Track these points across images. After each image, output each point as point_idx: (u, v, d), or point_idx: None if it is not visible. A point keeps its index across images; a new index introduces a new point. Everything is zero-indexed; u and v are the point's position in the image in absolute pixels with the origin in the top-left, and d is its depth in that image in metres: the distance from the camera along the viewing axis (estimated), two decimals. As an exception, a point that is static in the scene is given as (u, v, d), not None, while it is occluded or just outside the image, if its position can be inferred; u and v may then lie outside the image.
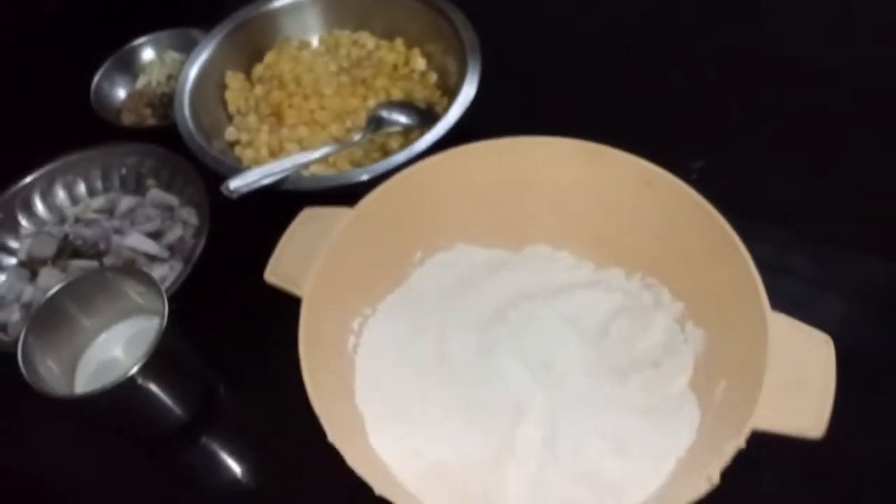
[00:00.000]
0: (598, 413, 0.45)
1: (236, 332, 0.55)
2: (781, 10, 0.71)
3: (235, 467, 0.51)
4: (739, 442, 0.35)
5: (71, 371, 0.47)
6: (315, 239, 0.46)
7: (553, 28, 0.72)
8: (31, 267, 0.59)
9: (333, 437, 0.38)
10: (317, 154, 0.58)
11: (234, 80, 0.66)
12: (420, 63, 0.66)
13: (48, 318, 0.45)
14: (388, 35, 0.68)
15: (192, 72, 0.63)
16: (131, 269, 0.48)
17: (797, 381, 0.37)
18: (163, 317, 0.45)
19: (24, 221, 0.62)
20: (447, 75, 0.64)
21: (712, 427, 0.42)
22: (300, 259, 0.45)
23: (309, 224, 0.47)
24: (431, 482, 0.43)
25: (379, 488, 0.36)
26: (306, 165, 0.58)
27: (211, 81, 0.65)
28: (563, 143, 0.48)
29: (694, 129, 0.62)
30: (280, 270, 0.45)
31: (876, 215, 0.55)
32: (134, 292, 0.47)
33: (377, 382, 0.47)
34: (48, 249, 0.59)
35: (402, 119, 0.61)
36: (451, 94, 0.59)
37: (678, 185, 0.45)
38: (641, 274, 0.50)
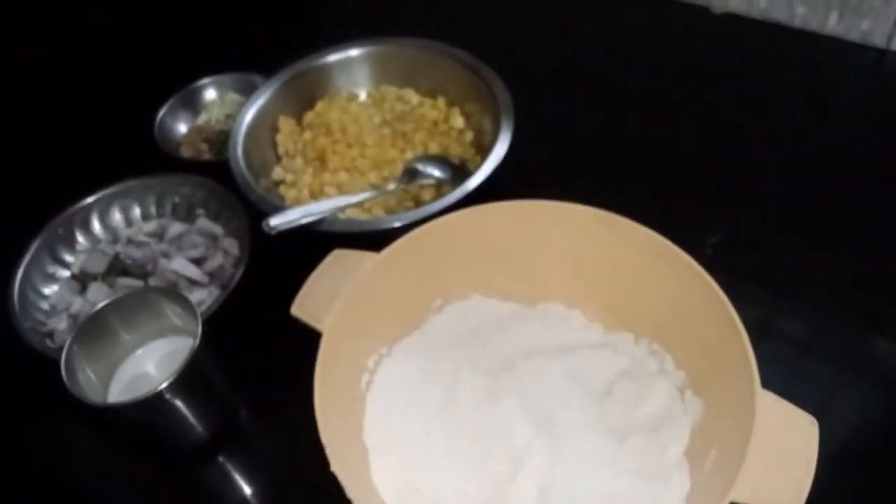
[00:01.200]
0: (594, 470, 0.46)
1: (262, 360, 0.58)
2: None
3: (247, 487, 0.53)
4: (717, 512, 0.37)
5: (107, 381, 0.51)
6: (341, 279, 0.49)
7: (584, 96, 0.76)
8: (81, 280, 0.64)
9: (336, 466, 0.40)
10: (354, 199, 0.62)
11: (285, 124, 0.71)
12: (459, 121, 0.70)
13: (92, 330, 0.49)
14: (432, 93, 0.72)
15: (249, 114, 0.68)
16: (171, 291, 0.52)
17: (780, 459, 0.39)
18: (196, 337, 0.48)
19: (80, 238, 0.67)
20: (483, 135, 0.68)
21: (701, 495, 0.43)
22: (325, 297, 0.48)
23: (337, 264, 0.51)
24: (427, 520, 0.45)
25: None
26: (343, 209, 0.62)
27: (265, 124, 0.70)
28: (581, 210, 0.51)
29: (714, 205, 0.65)
30: (306, 306, 0.49)
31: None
32: (172, 313, 0.51)
33: (385, 419, 0.49)
34: (100, 266, 0.64)
35: (436, 173, 0.64)
36: (484, 153, 0.63)
37: (684, 259, 0.47)
38: (648, 340, 0.52)
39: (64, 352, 0.47)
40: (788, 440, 0.40)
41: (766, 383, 0.41)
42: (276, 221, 0.56)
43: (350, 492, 0.39)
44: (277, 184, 0.68)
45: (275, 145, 0.70)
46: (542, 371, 0.51)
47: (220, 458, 0.55)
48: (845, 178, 0.65)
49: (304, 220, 0.57)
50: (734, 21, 0.81)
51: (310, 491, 0.49)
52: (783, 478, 0.38)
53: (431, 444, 0.48)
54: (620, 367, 0.51)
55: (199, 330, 0.48)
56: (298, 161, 0.68)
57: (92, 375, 0.49)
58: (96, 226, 0.68)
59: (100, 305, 0.50)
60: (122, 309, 0.51)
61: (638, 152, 0.69)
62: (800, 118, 0.71)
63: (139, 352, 0.52)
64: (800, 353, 0.55)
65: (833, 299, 0.57)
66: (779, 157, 0.68)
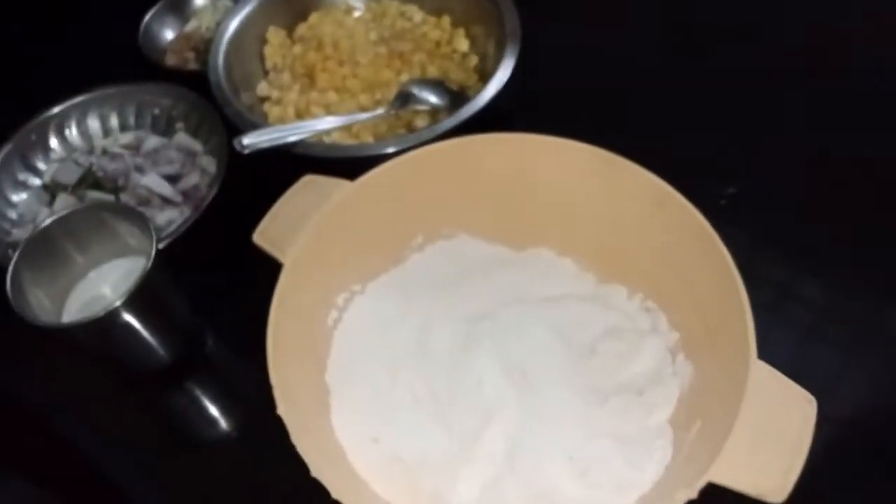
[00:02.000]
0: (568, 430, 0.43)
1: (229, 286, 0.55)
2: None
3: (212, 413, 0.52)
4: (691, 493, 0.33)
5: (60, 303, 0.48)
6: (310, 207, 0.45)
7: (602, 27, 0.69)
8: (52, 191, 0.60)
9: (283, 410, 0.37)
10: (340, 121, 0.57)
11: (275, 35, 0.65)
12: (463, 44, 0.64)
13: (40, 249, 0.46)
14: (436, 11, 0.66)
15: (235, 21, 0.63)
16: (125, 208, 0.48)
17: (769, 438, 0.35)
18: (149, 258, 0.45)
19: (54, 145, 0.63)
20: (487, 60, 0.62)
21: (681, 468, 0.40)
22: (290, 226, 0.44)
23: (308, 191, 0.47)
24: (383, 471, 0.42)
25: (315, 470, 0.35)
26: (328, 132, 0.57)
27: (252, 33, 0.64)
28: (581, 148, 0.46)
29: (737, 154, 0.59)
30: (269, 234, 0.45)
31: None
32: (127, 233, 0.48)
33: (351, 361, 0.46)
34: (71, 176, 0.60)
35: (432, 98, 0.59)
36: (487, 81, 0.57)
37: (688, 209, 0.43)
38: (643, 295, 0.48)
39: (10, 271, 0.44)
40: (781, 418, 0.36)
41: (767, 356, 0.37)
42: (250, 140, 0.52)
43: (295, 438, 0.36)
44: (262, 100, 0.63)
45: (262, 58, 0.65)
46: (523, 321, 0.47)
47: (184, 384, 0.53)
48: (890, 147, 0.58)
49: (280, 142, 0.53)
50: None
51: (276, 421, 0.47)
52: (770, 459, 0.34)
53: (397, 390, 0.45)
54: (609, 323, 0.47)
55: (154, 249, 0.45)
56: (286, 77, 0.63)
57: (44, 296, 0.46)
58: (72, 133, 0.64)
59: (45, 222, 0.46)
60: (71, 227, 0.47)
61: (656, 91, 0.63)
62: (846, 72, 0.63)
63: (93, 273, 0.49)
64: (809, 327, 0.50)
65: (853, 274, 0.52)
66: (820, 112, 0.61)
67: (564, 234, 0.50)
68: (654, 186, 0.44)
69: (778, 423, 0.35)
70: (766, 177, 0.57)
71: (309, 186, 0.47)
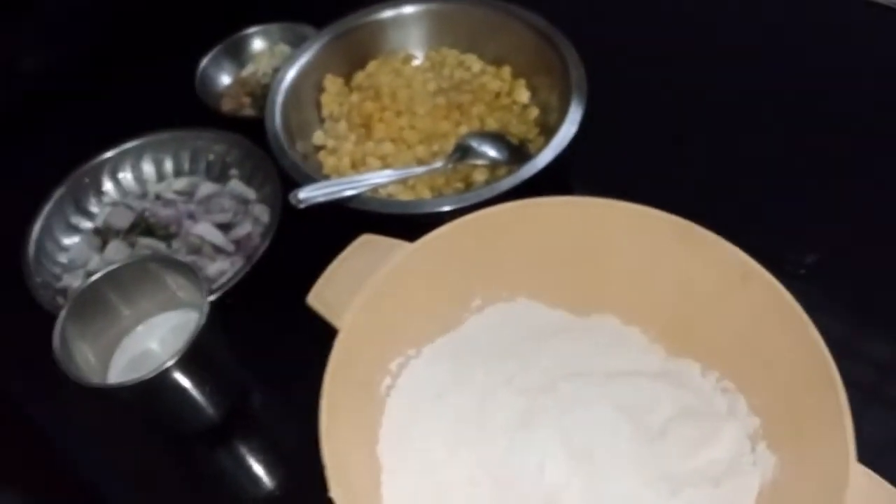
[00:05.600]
0: (637, 523, 0.40)
1: (281, 342, 0.53)
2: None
3: (259, 474, 0.50)
4: None
5: (107, 358, 0.47)
6: (366, 270, 0.43)
7: (672, 86, 0.67)
8: (103, 236, 0.60)
9: (336, 492, 0.35)
10: (397, 174, 0.56)
11: (332, 83, 0.64)
12: (524, 95, 0.62)
13: (87, 305, 0.45)
14: (497, 62, 0.65)
15: (293, 69, 0.62)
16: (174, 261, 0.47)
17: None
18: (202, 313, 0.44)
19: (108, 189, 0.63)
20: (549, 113, 0.60)
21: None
22: (345, 289, 0.42)
23: (365, 252, 0.45)
24: (436, 556, 0.39)
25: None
26: (385, 185, 0.55)
27: (310, 81, 0.63)
28: (655, 215, 0.44)
29: (812, 219, 0.55)
30: (323, 297, 0.43)
31: None
32: (175, 284, 0.47)
33: (404, 430, 0.44)
34: (124, 221, 0.60)
35: (492, 152, 0.57)
36: (549, 134, 0.55)
37: (775, 287, 0.40)
38: (718, 375, 0.44)
39: (57, 330, 0.43)
40: (885, 531, 0.32)
41: (859, 443, 0.34)
42: (306, 195, 0.50)
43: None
44: (318, 149, 0.62)
45: (318, 106, 0.64)
46: (587, 398, 0.44)
47: (231, 443, 0.51)
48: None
49: (337, 196, 0.51)
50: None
51: (323, 484, 0.45)
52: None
53: (453, 468, 0.42)
54: (682, 404, 0.44)
55: (206, 305, 0.43)
56: (342, 126, 0.61)
57: (89, 353, 0.45)
58: (126, 177, 0.64)
59: (93, 278, 0.45)
60: (118, 281, 0.46)
61: (727, 156, 0.60)
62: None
63: (140, 327, 0.48)
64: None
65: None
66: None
67: (632, 301, 0.47)
68: (736, 260, 0.41)
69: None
70: (851, 242, 0.54)
71: (365, 247, 0.45)
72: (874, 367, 0.48)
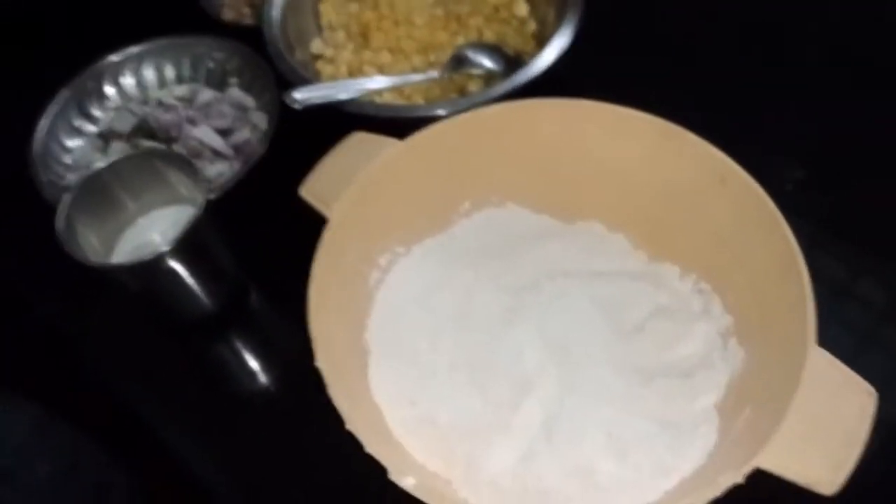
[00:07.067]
0: (609, 408, 0.42)
1: (275, 240, 0.54)
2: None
3: (254, 365, 0.52)
4: (737, 477, 0.32)
5: (110, 246, 0.49)
6: (358, 164, 0.45)
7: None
8: (107, 139, 0.61)
9: (321, 362, 0.37)
10: (392, 81, 0.56)
11: (332, -9, 0.64)
12: (522, 9, 0.62)
13: (92, 192, 0.46)
14: (498, -27, 0.64)
15: (292, -24, 0.62)
16: (177, 156, 0.48)
17: (822, 428, 0.33)
18: (198, 206, 0.45)
19: (110, 94, 0.64)
20: (546, 26, 0.60)
21: (726, 454, 0.38)
22: (337, 182, 0.44)
23: (357, 148, 0.46)
24: (418, 433, 0.41)
25: (350, 423, 0.35)
26: (380, 91, 0.56)
27: (310, -11, 0.64)
28: (639, 116, 0.45)
29: (809, 138, 0.56)
30: (315, 189, 0.44)
31: None
32: (178, 181, 0.48)
33: (391, 323, 0.46)
34: (126, 125, 0.61)
35: (487, 63, 0.58)
36: (545, 47, 0.56)
37: (752, 187, 0.41)
38: (696, 276, 0.46)
39: (62, 211, 0.45)
40: (837, 409, 0.34)
41: (828, 346, 0.35)
42: (302, 95, 0.51)
43: (332, 389, 0.36)
44: (316, 58, 0.62)
45: (317, 15, 0.64)
46: (568, 295, 0.46)
47: (226, 335, 0.53)
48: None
49: (333, 98, 0.52)
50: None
51: (314, 375, 0.47)
52: (822, 451, 0.33)
53: (436, 355, 0.44)
54: (658, 303, 0.45)
55: (204, 198, 0.45)
56: (341, 35, 0.62)
57: (94, 238, 0.47)
58: (128, 82, 0.64)
59: (98, 166, 0.46)
60: (122, 173, 0.47)
61: (723, 67, 0.60)
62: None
63: (142, 219, 0.49)
64: (876, 320, 0.48)
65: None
66: None
67: (617, 208, 0.48)
68: (717, 161, 0.42)
69: (834, 413, 0.33)
70: (838, 160, 0.54)
71: (358, 143, 0.46)
72: (846, 268, 0.49)
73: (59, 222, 0.44)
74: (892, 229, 0.51)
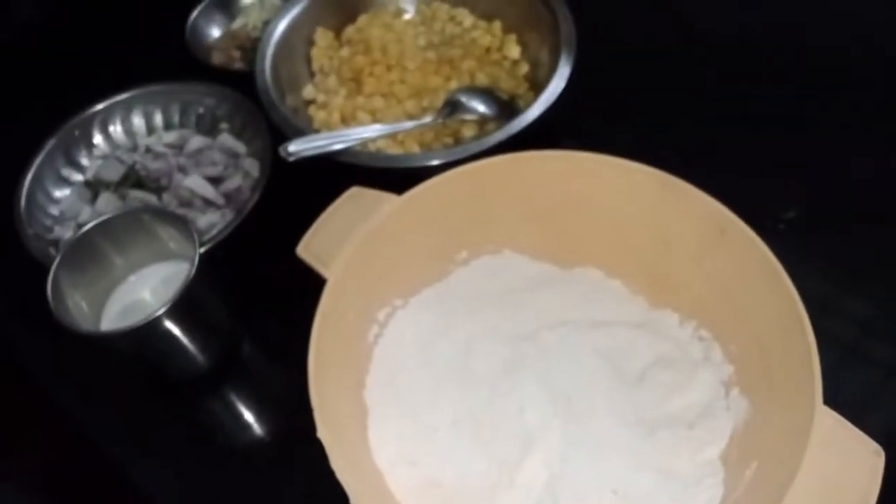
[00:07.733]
0: (613, 462, 0.41)
1: (270, 294, 0.54)
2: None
3: (249, 421, 0.51)
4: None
5: (99, 309, 0.48)
6: (355, 221, 0.44)
7: (660, 39, 0.67)
8: (94, 188, 0.60)
9: (323, 433, 0.36)
10: (386, 129, 0.56)
11: (323, 37, 0.64)
12: (514, 51, 0.62)
13: (80, 254, 0.46)
14: (488, 16, 0.64)
15: (283, 22, 0.62)
16: (167, 212, 0.47)
17: (833, 490, 0.33)
18: (192, 264, 0.44)
19: (98, 142, 0.63)
20: (539, 69, 0.60)
21: (734, 510, 0.38)
22: (334, 240, 0.43)
23: (353, 204, 0.46)
24: (421, 495, 0.41)
25: (355, 499, 0.34)
26: (374, 139, 0.56)
27: (300, 35, 0.63)
28: (638, 168, 0.44)
29: (792, 174, 0.56)
30: (312, 247, 0.44)
31: None
32: (167, 236, 0.47)
33: (390, 378, 0.45)
34: (114, 174, 0.60)
35: (481, 108, 0.57)
36: (538, 90, 0.56)
37: (752, 239, 0.41)
38: (696, 323, 0.46)
39: (50, 277, 0.44)
40: (847, 469, 0.34)
41: (828, 398, 0.35)
42: (295, 148, 0.51)
43: (334, 462, 0.35)
44: (307, 103, 0.62)
45: (309, 60, 0.64)
46: (569, 345, 0.45)
47: (220, 390, 0.52)
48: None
49: (327, 150, 0.52)
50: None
51: (312, 429, 0.47)
52: (835, 514, 0.32)
53: (437, 412, 0.44)
54: (660, 352, 0.45)
55: (196, 255, 0.44)
56: (332, 80, 0.61)
57: (82, 302, 0.46)
58: (116, 130, 0.64)
59: (86, 227, 0.46)
60: (111, 231, 0.46)
61: (716, 113, 0.61)
62: None
63: (132, 277, 0.49)
64: (876, 370, 0.48)
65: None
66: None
67: (614, 254, 0.48)
68: (715, 212, 0.42)
69: (843, 475, 0.33)
70: (830, 199, 0.55)
71: (354, 199, 0.46)
72: (851, 323, 0.49)
73: (48, 288, 0.43)
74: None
